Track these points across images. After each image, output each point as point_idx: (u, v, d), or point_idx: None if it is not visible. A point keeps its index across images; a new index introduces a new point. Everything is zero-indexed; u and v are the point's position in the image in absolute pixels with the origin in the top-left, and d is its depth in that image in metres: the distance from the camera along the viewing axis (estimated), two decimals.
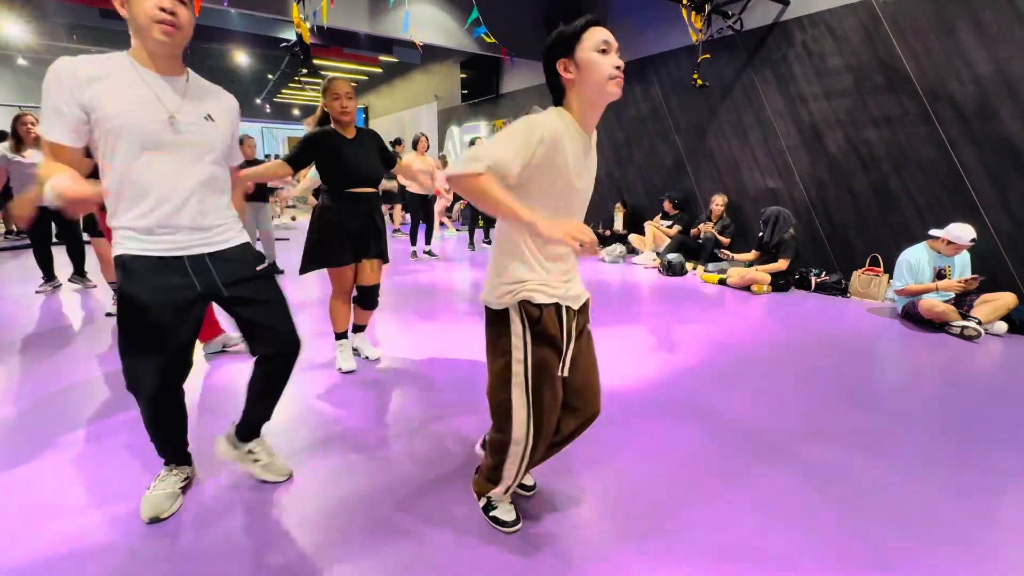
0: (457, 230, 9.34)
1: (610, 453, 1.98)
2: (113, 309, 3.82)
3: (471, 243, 7.35)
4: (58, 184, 1.17)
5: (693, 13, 5.20)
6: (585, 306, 1.47)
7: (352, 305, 2.82)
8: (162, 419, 1.56)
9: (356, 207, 2.55)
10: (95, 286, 4.62)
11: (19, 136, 4.18)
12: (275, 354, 1.61)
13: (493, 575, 1.37)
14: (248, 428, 1.73)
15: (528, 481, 1.74)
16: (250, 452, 1.74)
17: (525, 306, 1.33)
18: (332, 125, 2.51)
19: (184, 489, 1.67)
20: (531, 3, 7.41)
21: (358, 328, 2.97)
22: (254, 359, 1.64)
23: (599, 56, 1.25)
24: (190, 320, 1.47)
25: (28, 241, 7.11)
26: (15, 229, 7.81)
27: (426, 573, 1.37)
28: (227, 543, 1.47)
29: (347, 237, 2.54)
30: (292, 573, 1.37)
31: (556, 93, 1.35)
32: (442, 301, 4.43)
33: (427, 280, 5.24)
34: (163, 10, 1.27)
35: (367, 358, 2.93)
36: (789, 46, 5.22)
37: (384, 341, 3.27)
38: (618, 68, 1.26)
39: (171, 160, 1.39)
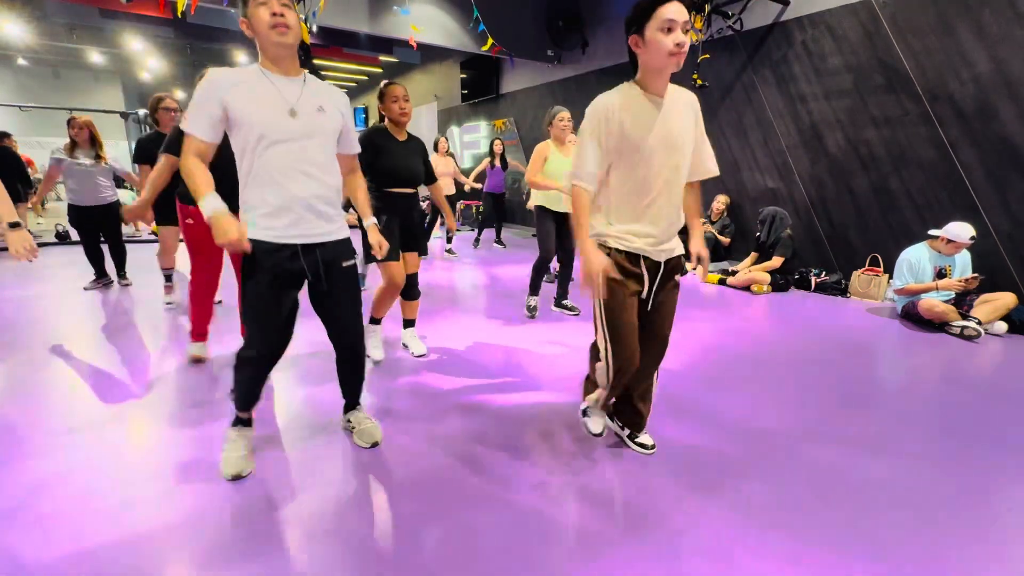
0: (458, 230, 9.34)
1: (610, 453, 1.98)
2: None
3: (476, 241, 7.37)
4: (223, 229, 1.49)
5: (693, 13, 5.20)
6: (674, 262, 1.74)
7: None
8: (260, 377, 1.77)
9: (399, 205, 2.67)
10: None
11: (73, 140, 4.30)
12: (340, 344, 1.90)
13: (494, 573, 1.37)
14: (346, 402, 2.08)
15: (647, 440, 2.00)
16: (348, 421, 2.07)
17: (602, 249, 1.65)
18: (386, 125, 2.65)
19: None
20: (531, 3, 7.40)
21: (408, 323, 3.08)
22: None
23: (662, 35, 1.43)
24: (292, 297, 1.73)
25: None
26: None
27: (426, 567, 1.38)
28: (201, 542, 1.47)
29: (391, 234, 2.61)
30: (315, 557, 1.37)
31: (632, 62, 1.58)
32: (447, 299, 4.43)
33: (431, 279, 5.24)
34: (275, 15, 1.52)
35: (413, 353, 3.01)
36: (789, 46, 5.22)
37: (390, 337, 3.27)
38: (679, 45, 1.42)
39: (291, 148, 1.59)
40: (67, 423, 2.16)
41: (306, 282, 1.75)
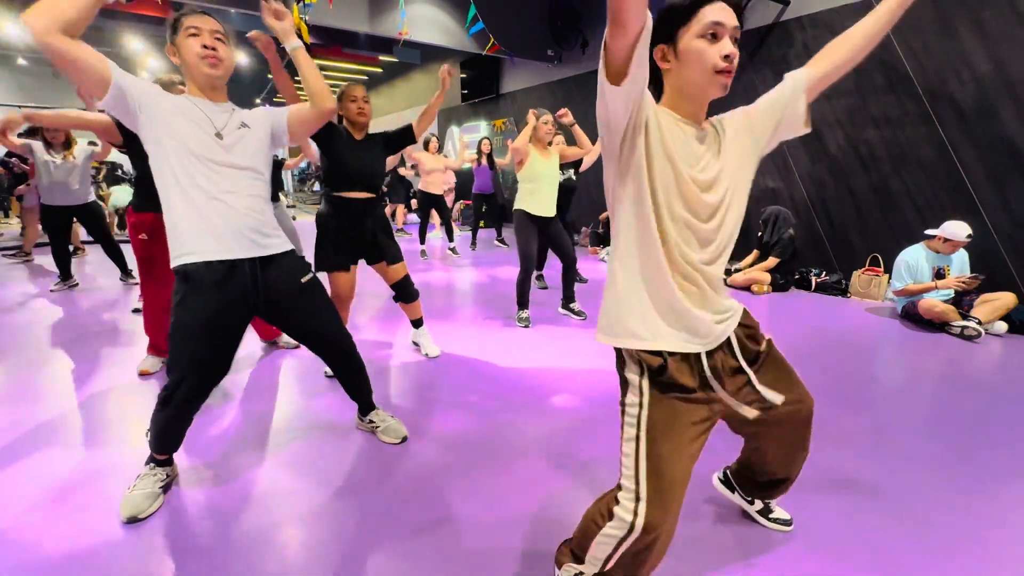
0: (459, 229, 9.34)
1: (608, 453, 1.98)
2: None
3: (473, 243, 7.37)
4: None
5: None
6: (742, 337, 1.25)
7: (398, 304, 2.94)
8: (181, 416, 1.63)
9: (347, 211, 2.54)
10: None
11: (46, 139, 4.26)
12: (332, 357, 1.92)
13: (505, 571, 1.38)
14: (360, 406, 2.10)
15: (783, 514, 1.57)
16: (370, 422, 2.10)
17: (642, 354, 1.08)
18: (345, 126, 2.56)
19: (165, 488, 1.68)
20: (531, 3, 7.40)
21: (416, 323, 3.04)
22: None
23: (705, 44, 1.02)
24: (236, 329, 1.64)
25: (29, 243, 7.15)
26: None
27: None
28: (200, 544, 1.47)
29: (340, 243, 2.53)
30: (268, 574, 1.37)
31: (654, 85, 1.08)
32: (444, 301, 4.43)
33: (429, 280, 5.25)
34: (205, 47, 1.55)
35: (427, 355, 3.00)
36: (789, 46, 5.22)
37: (384, 341, 3.28)
38: (727, 58, 1.02)
39: (218, 171, 1.56)
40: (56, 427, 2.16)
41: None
